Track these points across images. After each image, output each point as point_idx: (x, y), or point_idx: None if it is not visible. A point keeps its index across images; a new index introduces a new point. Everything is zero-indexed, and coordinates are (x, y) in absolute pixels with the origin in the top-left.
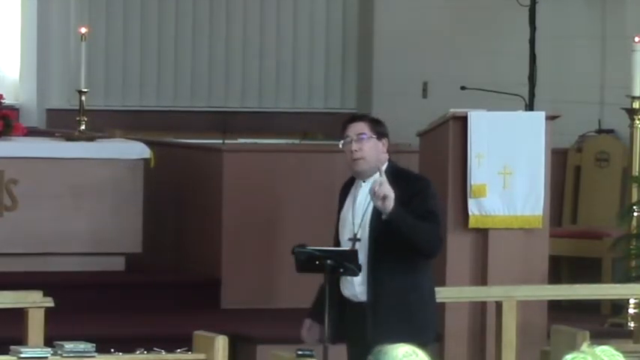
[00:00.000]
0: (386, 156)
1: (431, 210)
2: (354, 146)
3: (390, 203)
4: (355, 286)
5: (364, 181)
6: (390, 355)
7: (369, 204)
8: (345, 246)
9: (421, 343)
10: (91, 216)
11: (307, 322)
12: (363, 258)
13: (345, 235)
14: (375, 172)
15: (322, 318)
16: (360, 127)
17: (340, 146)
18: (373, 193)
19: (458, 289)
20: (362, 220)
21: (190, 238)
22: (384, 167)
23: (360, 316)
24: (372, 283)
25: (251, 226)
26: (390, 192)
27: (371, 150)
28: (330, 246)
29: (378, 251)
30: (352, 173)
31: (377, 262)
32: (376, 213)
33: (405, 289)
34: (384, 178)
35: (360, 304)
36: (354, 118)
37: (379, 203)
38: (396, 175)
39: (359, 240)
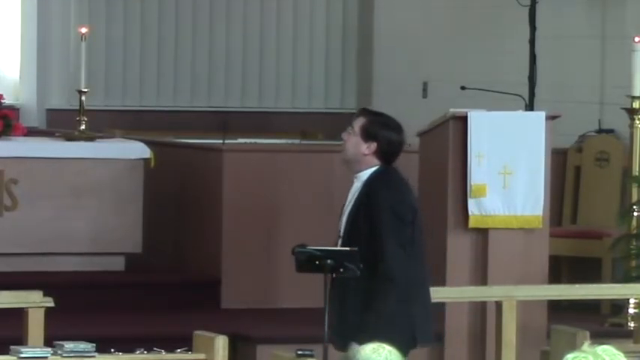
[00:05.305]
0: (371, 161)
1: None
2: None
3: None
4: None
5: (355, 178)
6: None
7: (349, 202)
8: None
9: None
10: (91, 216)
11: None
12: None
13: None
14: (363, 172)
15: None
16: (355, 121)
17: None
18: None
19: (458, 289)
20: (342, 218)
21: (190, 238)
22: (365, 174)
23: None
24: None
25: (251, 225)
26: None
27: (350, 147)
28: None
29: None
30: None
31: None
32: (351, 215)
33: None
34: None
35: None
36: (359, 111)
37: None
38: (369, 185)
39: (341, 237)
